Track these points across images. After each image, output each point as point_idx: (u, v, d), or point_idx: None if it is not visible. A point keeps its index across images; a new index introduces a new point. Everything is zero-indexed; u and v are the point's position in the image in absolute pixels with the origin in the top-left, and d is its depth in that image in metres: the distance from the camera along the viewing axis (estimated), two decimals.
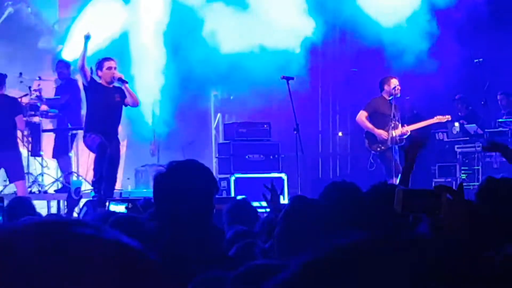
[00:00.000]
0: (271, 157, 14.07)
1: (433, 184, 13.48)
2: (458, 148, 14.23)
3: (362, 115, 12.49)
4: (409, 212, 3.45)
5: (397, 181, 12.05)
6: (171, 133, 14.31)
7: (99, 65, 11.30)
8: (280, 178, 13.79)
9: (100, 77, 11.27)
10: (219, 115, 15.40)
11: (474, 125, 14.18)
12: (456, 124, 14.27)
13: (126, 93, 11.21)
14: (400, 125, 12.34)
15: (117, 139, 11.37)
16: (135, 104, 11.40)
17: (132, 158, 15.39)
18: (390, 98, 12.31)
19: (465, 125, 14.29)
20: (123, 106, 11.39)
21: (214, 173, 14.27)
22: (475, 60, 14.11)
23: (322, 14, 14.50)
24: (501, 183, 4.04)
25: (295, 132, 11.93)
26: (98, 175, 10.99)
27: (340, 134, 16.33)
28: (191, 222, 3.49)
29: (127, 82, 11.32)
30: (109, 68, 11.18)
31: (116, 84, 11.31)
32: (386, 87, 12.36)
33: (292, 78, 12.16)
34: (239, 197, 12.60)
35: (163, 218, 3.58)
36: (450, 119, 13.30)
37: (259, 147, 14.08)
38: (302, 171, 12.23)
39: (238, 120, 14.76)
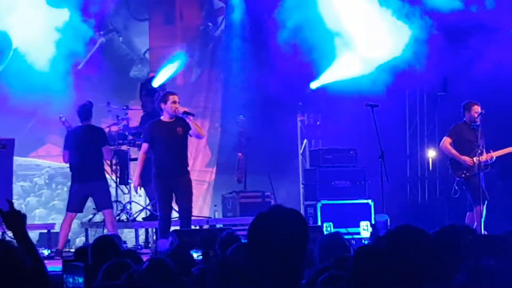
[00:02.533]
0: (358, 183, 14.05)
1: None
2: None
3: (446, 142, 12.34)
4: None
5: (484, 208, 11.87)
6: (258, 159, 14.36)
7: (164, 98, 11.36)
8: (367, 204, 13.78)
9: (163, 109, 11.32)
10: (305, 141, 15.41)
11: None
12: None
13: (191, 125, 11.22)
14: (484, 151, 12.10)
15: (186, 172, 11.35)
16: (200, 136, 11.54)
17: (219, 185, 15.53)
18: (472, 124, 12.15)
19: None
20: (188, 137, 11.40)
21: (301, 200, 14.44)
22: None
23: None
24: None
25: (380, 159, 11.89)
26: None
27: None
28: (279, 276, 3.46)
29: (193, 115, 11.40)
30: (174, 102, 11.22)
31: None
32: (467, 113, 12.22)
33: (377, 105, 12.09)
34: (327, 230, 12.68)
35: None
36: None
37: (345, 173, 14.09)
38: (388, 197, 12.14)
39: (325, 146, 14.76)
